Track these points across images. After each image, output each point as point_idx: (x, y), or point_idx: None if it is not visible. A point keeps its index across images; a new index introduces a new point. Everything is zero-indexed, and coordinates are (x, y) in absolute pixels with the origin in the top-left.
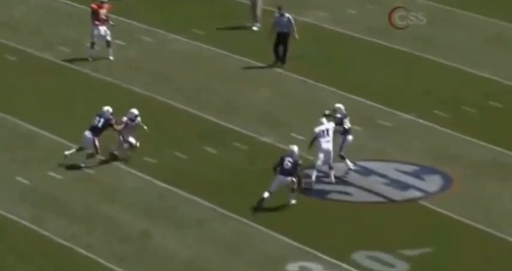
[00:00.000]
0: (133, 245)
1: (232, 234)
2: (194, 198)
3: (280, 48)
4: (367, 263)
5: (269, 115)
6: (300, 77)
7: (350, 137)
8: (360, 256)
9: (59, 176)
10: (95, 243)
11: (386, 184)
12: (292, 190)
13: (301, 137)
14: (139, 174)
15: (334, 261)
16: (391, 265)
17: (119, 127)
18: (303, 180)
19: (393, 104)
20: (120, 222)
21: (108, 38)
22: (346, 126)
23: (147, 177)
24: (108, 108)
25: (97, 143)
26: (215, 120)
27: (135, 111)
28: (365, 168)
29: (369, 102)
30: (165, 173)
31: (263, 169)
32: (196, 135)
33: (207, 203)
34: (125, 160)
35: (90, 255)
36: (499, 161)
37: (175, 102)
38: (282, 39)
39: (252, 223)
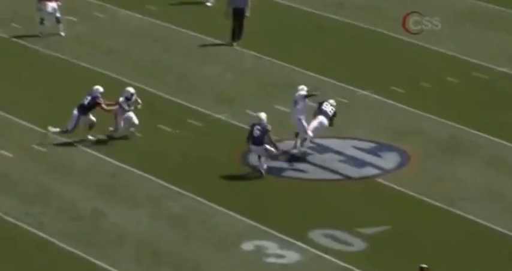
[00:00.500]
0: (85, 224)
1: (187, 212)
2: (147, 176)
3: (236, 24)
4: (324, 242)
5: (224, 92)
6: (255, 53)
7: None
8: (316, 234)
9: (10, 154)
10: (47, 222)
11: (342, 161)
12: (267, 157)
13: (256, 114)
14: (92, 152)
15: (290, 239)
16: (349, 244)
17: (110, 107)
18: (277, 144)
19: (349, 80)
20: (72, 200)
21: (57, 14)
22: (322, 108)
23: (100, 155)
24: (97, 87)
25: (79, 122)
26: (169, 97)
27: (130, 89)
28: (321, 145)
29: (325, 78)
30: (118, 151)
31: (218, 147)
32: (149, 112)
33: (160, 181)
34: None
35: (42, 234)
36: (456, 137)
37: (128, 79)
38: (238, 15)
39: (207, 202)
